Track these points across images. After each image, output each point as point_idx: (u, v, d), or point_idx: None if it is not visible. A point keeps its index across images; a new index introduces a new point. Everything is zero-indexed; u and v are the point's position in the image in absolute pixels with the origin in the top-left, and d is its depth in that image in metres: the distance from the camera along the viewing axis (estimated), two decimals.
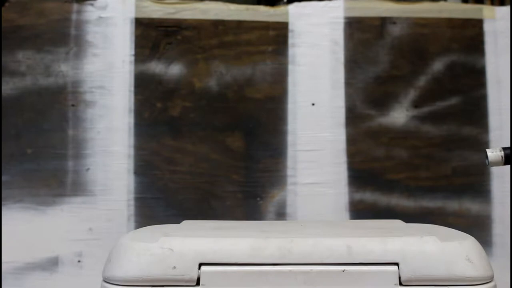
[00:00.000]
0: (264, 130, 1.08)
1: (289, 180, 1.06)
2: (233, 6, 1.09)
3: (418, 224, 0.79)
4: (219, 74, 1.08)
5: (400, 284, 0.58)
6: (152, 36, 1.08)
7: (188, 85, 1.08)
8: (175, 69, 1.08)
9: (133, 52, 1.08)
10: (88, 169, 1.05)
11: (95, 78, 1.07)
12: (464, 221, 1.08)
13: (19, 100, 1.05)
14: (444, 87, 1.11)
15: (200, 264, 0.58)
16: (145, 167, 1.06)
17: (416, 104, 1.10)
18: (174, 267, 0.58)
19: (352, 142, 1.09)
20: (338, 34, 1.10)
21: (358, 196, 1.08)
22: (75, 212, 1.04)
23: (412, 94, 1.10)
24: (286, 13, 1.10)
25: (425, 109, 1.10)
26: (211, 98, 1.08)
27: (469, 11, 1.12)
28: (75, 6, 1.08)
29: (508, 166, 1.09)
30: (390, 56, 1.10)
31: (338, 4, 1.11)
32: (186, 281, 0.58)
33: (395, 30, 1.11)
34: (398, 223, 0.80)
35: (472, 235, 0.64)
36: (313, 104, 1.08)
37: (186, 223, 0.77)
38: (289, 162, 1.07)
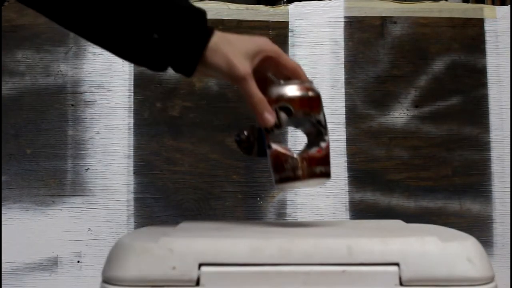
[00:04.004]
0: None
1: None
2: (233, 6, 1.09)
3: (419, 225, 0.79)
4: None
5: (401, 284, 0.57)
6: None
7: (188, 85, 1.08)
8: None
9: None
10: (87, 169, 1.05)
11: (94, 78, 1.06)
12: (464, 221, 1.08)
13: (18, 100, 1.05)
14: (444, 86, 1.10)
15: (200, 265, 0.58)
16: (145, 167, 1.06)
17: (416, 104, 1.10)
18: (174, 268, 0.57)
19: (352, 142, 1.09)
20: (338, 34, 1.10)
21: (359, 196, 1.08)
22: (75, 212, 1.04)
23: (412, 94, 1.10)
24: (287, 13, 1.10)
25: (426, 109, 1.10)
26: (211, 98, 1.08)
27: (470, 10, 1.12)
28: None
29: (508, 166, 1.09)
30: (390, 56, 1.10)
31: (338, 3, 1.11)
32: (185, 282, 0.57)
33: (395, 30, 1.11)
34: (398, 223, 0.80)
35: (473, 236, 0.63)
36: None
37: (185, 224, 0.77)
38: None
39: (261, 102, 0.68)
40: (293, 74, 0.71)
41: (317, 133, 0.72)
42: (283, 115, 0.69)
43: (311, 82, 0.71)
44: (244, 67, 0.67)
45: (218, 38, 0.68)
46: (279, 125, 0.69)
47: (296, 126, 0.74)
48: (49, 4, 0.67)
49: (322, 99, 0.72)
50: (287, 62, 0.71)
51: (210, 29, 0.69)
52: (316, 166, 0.69)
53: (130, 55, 0.70)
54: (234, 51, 0.68)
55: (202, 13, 0.69)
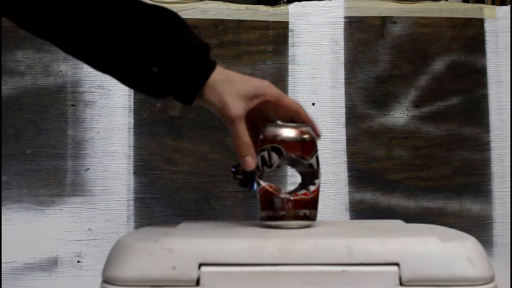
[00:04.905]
0: None
1: (289, 180, 1.06)
2: (233, 6, 1.09)
3: (419, 224, 0.79)
4: None
5: (401, 284, 0.57)
6: None
7: None
8: None
9: None
10: (87, 169, 1.05)
11: (94, 78, 1.06)
12: (464, 221, 1.08)
13: (18, 100, 1.05)
14: (444, 86, 1.10)
15: (200, 265, 0.58)
16: (145, 167, 1.06)
17: (416, 104, 1.10)
18: (174, 268, 0.57)
19: (352, 142, 1.09)
20: (338, 34, 1.10)
21: (359, 196, 1.08)
22: (75, 212, 1.04)
23: (412, 94, 1.10)
24: (287, 13, 1.10)
25: (426, 109, 1.10)
26: None
27: (470, 10, 1.12)
28: None
29: (508, 166, 1.09)
30: (390, 56, 1.10)
31: (338, 3, 1.11)
32: (186, 282, 0.57)
33: (395, 30, 1.11)
34: (398, 223, 0.80)
35: (473, 236, 0.64)
36: (313, 104, 1.08)
37: (185, 224, 0.77)
38: None
39: (245, 146, 0.69)
40: (295, 115, 0.72)
41: (308, 175, 0.73)
42: (274, 155, 0.70)
43: (308, 126, 0.72)
44: (236, 109, 0.68)
45: (218, 75, 0.69)
46: (269, 164, 0.71)
47: (292, 165, 0.75)
48: (51, 32, 0.69)
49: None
50: (289, 104, 0.72)
51: (212, 64, 0.69)
52: (301, 209, 0.71)
53: (130, 83, 0.70)
54: (231, 92, 0.68)
55: (204, 48, 0.69)
